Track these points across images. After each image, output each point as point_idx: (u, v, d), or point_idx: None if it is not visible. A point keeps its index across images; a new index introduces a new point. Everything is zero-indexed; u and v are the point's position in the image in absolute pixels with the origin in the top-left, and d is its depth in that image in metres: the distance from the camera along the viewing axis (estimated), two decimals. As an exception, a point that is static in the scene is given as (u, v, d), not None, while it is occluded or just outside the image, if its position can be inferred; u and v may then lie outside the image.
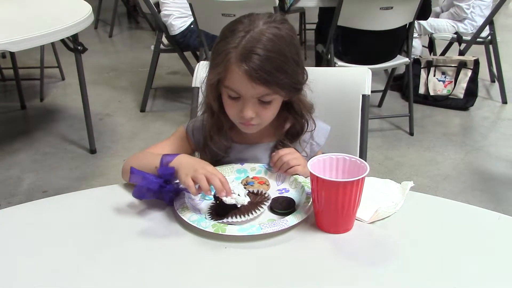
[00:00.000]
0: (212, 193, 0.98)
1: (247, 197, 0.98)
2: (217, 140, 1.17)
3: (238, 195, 0.97)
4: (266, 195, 1.02)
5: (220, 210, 0.98)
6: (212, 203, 1.01)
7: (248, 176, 1.12)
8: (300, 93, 1.12)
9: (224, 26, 1.08)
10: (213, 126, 1.16)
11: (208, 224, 0.93)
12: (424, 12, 2.85)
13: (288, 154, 1.11)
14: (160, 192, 0.99)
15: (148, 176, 0.98)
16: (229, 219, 0.95)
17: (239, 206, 0.97)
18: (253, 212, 0.97)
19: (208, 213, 1.00)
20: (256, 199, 1.01)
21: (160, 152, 1.09)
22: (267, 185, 1.09)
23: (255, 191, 1.04)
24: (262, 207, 0.98)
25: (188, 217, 0.95)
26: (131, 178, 1.01)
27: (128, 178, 1.03)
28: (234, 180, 1.09)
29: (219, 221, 0.95)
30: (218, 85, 1.08)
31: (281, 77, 1.02)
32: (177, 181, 1.01)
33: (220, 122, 1.15)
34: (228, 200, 0.96)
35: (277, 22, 1.05)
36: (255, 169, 1.14)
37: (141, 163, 1.06)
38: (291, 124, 1.18)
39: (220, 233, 0.91)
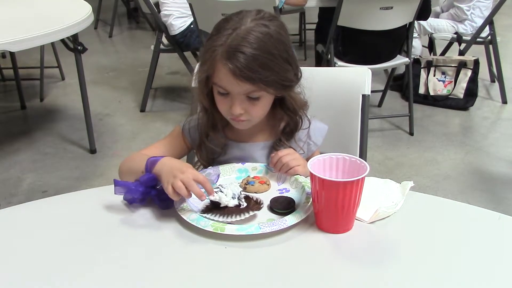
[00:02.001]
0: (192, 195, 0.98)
1: (237, 200, 0.98)
2: (212, 137, 1.17)
3: (226, 195, 0.97)
4: (261, 205, 1.01)
5: (211, 207, 0.99)
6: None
7: (249, 176, 1.12)
8: (291, 90, 1.12)
9: (216, 24, 1.08)
10: (207, 123, 1.17)
11: (207, 223, 0.93)
12: (424, 12, 2.85)
13: (287, 155, 1.10)
14: (148, 198, 1.00)
15: (130, 186, 0.99)
16: (207, 215, 0.96)
17: (222, 205, 0.97)
18: (235, 216, 0.95)
19: (203, 209, 1.00)
20: (250, 206, 1.00)
21: (155, 152, 1.10)
22: (268, 184, 1.09)
23: (255, 199, 1.03)
24: (244, 214, 0.96)
25: (188, 216, 0.95)
26: (115, 190, 1.00)
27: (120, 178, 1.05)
28: (234, 180, 1.09)
29: (201, 214, 0.96)
30: (208, 81, 1.08)
31: (267, 74, 1.02)
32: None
33: (215, 119, 1.16)
34: (212, 197, 0.97)
35: (265, 19, 1.05)
36: (256, 169, 1.14)
37: (132, 167, 1.09)
38: (286, 122, 1.18)
39: (219, 232, 0.91)
